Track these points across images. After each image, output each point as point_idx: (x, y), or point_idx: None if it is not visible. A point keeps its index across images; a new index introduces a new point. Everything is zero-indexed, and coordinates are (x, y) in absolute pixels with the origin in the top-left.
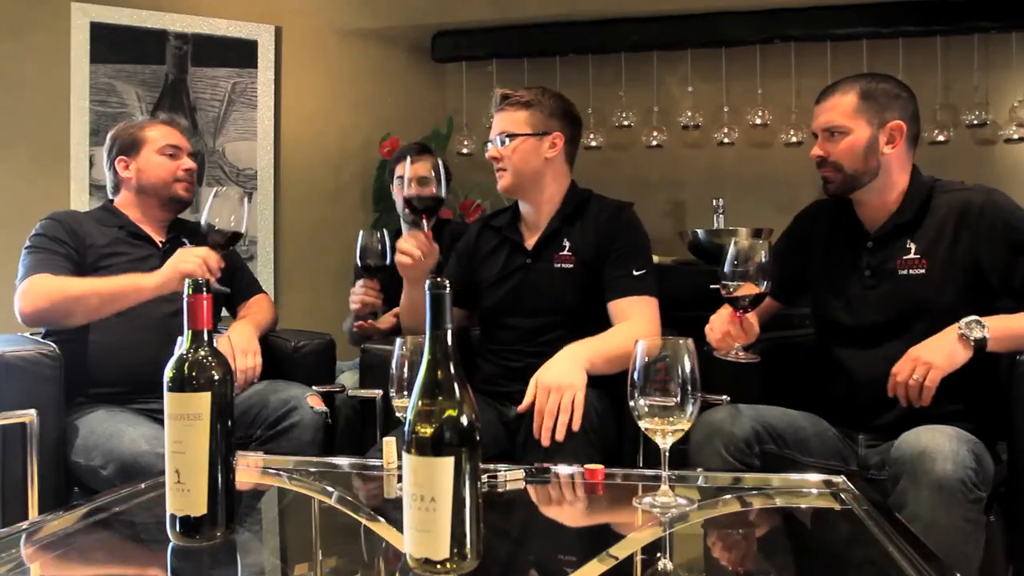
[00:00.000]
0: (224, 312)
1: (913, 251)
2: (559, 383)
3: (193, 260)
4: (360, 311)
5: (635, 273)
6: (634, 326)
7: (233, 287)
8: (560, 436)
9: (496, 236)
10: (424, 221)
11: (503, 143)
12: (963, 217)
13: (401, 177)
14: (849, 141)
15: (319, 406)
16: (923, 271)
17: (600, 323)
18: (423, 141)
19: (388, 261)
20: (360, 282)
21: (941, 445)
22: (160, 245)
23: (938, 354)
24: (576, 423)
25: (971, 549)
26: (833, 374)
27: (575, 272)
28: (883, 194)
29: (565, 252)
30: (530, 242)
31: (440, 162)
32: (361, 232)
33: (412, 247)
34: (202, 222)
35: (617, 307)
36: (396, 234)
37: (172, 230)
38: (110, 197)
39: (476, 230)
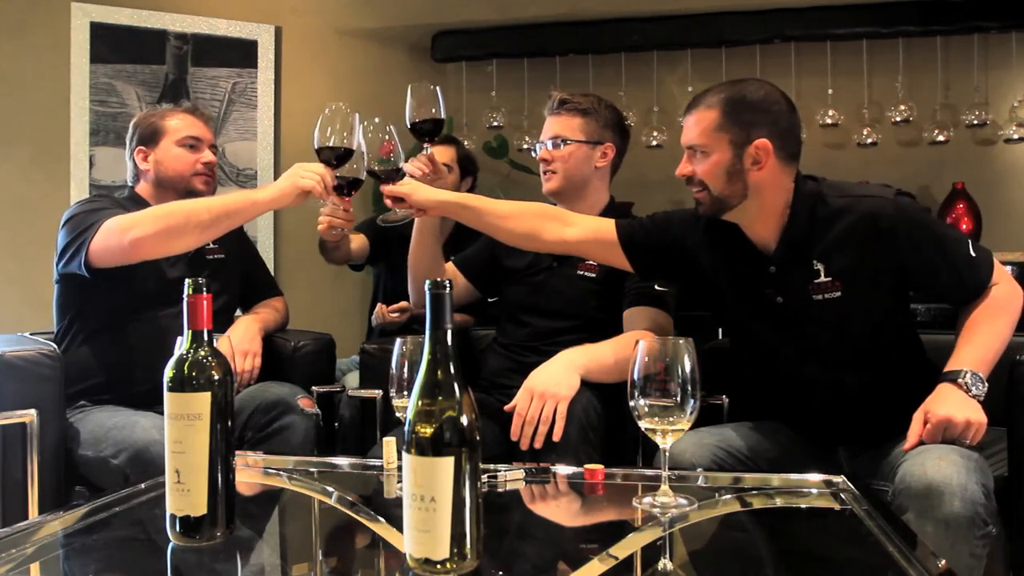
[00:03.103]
0: (238, 312)
1: (823, 272)
2: (545, 390)
3: (312, 176)
4: (325, 233)
5: (657, 288)
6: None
7: (249, 286)
8: (538, 445)
9: None
10: (427, 144)
11: (556, 146)
12: (874, 230)
13: None
14: (711, 162)
15: (310, 408)
16: (838, 294)
17: (616, 334)
18: None
19: (363, 174)
20: (331, 199)
21: (949, 479)
22: None
23: (967, 410)
24: (557, 435)
25: None
26: (790, 397)
27: (597, 282)
28: (761, 215)
29: (591, 262)
30: None
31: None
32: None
33: (415, 167)
34: (314, 141)
35: (631, 316)
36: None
37: None
38: (129, 183)
39: None
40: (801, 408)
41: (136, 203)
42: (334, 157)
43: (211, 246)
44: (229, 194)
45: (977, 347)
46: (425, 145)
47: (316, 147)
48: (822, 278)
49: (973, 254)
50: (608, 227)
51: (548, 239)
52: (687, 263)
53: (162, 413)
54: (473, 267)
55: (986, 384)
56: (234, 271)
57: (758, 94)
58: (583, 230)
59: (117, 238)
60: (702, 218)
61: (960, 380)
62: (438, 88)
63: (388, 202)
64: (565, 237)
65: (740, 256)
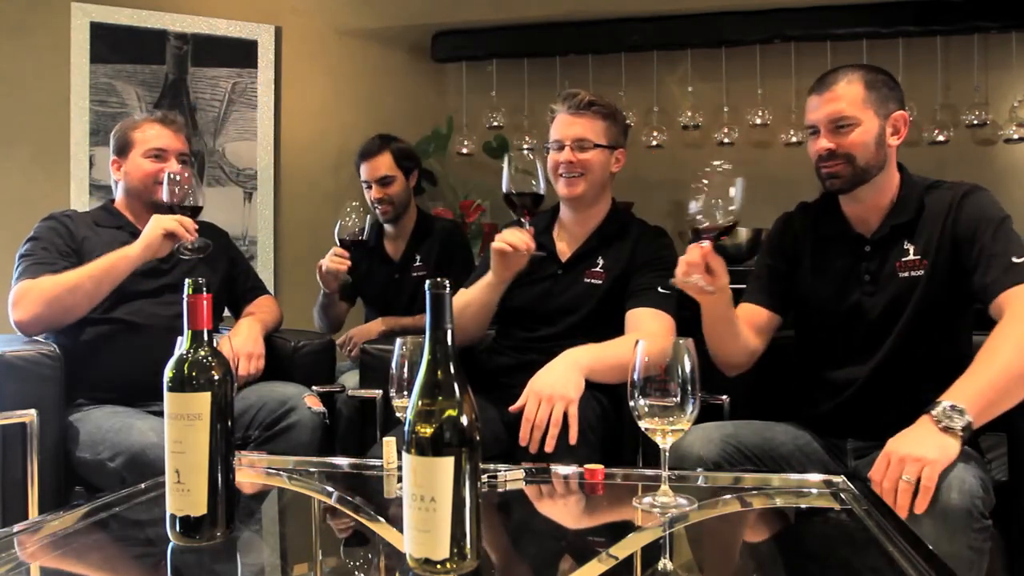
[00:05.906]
0: (226, 312)
1: (912, 252)
2: (552, 392)
3: (171, 220)
4: (324, 277)
5: (660, 290)
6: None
7: (238, 288)
8: (549, 448)
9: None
10: (525, 218)
11: (584, 149)
12: (951, 202)
13: (367, 182)
14: (860, 132)
15: (317, 407)
16: (922, 272)
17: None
18: (423, 141)
19: (363, 237)
20: (332, 250)
21: (946, 471)
22: None
23: (925, 446)
24: (572, 438)
25: None
26: (820, 378)
27: (603, 289)
28: (882, 191)
29: (598, 269)
30: (565, 253)
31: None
32: (347, 205)
33: (516, 239)
34: (164, 198)
35: (634, 316)
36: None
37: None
38: (115, 194)
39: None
40: (823, 395)
41: (110, 214)
42: (188, 212)
43: (188, 247)
44: (106, 256)
45: (975, 378)
46: (523, 219)
47: (167, 204)
48: (911, 256)
49: (1015, 259)
50: (758, 314)
51: (752, 350)
52: (796, 269)
53: (156, 414)
54: None
55: (965, 416)
56: (213, 270)
57: (883, 74)
58: (757, 334)
59: (14, 312)
60: (794, 215)
61: (933, 412)
62: (538, 160)
63: (694, 267)
64: (751, 348)
65: (836, 239)
